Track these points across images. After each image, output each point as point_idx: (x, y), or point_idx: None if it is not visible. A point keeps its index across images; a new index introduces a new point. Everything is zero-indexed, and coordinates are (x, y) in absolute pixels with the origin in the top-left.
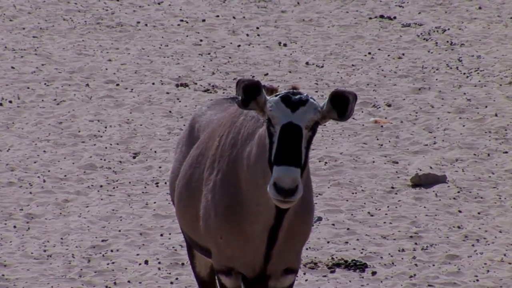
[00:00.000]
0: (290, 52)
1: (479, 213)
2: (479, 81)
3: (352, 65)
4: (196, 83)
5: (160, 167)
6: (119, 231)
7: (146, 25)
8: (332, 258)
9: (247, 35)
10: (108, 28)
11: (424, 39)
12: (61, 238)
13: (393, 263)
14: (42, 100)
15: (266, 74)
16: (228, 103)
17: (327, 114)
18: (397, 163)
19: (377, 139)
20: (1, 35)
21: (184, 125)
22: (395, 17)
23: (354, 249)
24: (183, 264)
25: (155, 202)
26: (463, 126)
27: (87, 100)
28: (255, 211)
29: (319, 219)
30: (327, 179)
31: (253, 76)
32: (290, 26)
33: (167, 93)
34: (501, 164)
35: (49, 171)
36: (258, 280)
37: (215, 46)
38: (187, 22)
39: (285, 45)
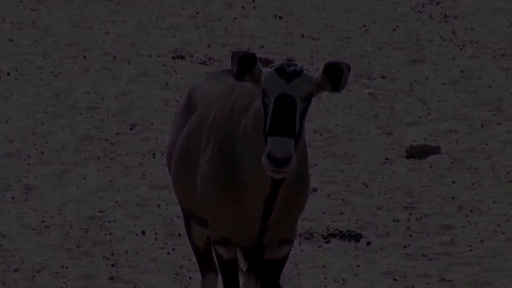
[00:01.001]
0: (285, 24)
1: (472, 184)
2: (473, 53)
3: (347, 37)
4: (192, 56)
5: (157, 139)
6: (116, 202)
7: None
8: (327, 229)
9: (243, 7)
10: (105, 1)
11: (418, 11)
12: (59, 209)
13: (387, 233)
14: (40, 72)
15: (262, 47)
16: (225, 76)
17: (322, 85)
18: (391, 134)
19: (372, 111)
20: None
21: (180, 97)
22: None
23: (349, 219)
24: (179, 234)
25: (152, 173)
26: (457, 97)
27: (85, 72)
28: (251, 182)
29: (315, 190)
30: (322, 151)
31: (249, 49)
32: None
33: (164, 65)
34: (494, 135)
35: (47, 142)
36: (254, 251)
37: (211, 19)
38: None
39: (280, 17)
